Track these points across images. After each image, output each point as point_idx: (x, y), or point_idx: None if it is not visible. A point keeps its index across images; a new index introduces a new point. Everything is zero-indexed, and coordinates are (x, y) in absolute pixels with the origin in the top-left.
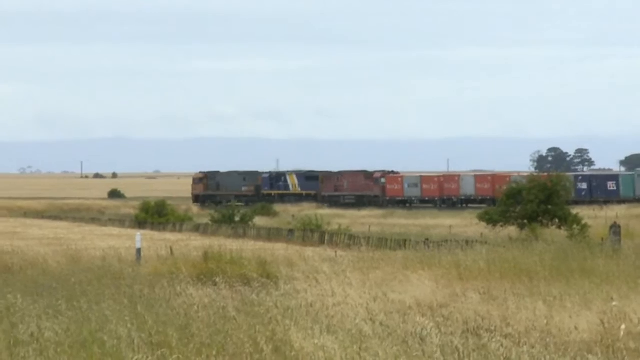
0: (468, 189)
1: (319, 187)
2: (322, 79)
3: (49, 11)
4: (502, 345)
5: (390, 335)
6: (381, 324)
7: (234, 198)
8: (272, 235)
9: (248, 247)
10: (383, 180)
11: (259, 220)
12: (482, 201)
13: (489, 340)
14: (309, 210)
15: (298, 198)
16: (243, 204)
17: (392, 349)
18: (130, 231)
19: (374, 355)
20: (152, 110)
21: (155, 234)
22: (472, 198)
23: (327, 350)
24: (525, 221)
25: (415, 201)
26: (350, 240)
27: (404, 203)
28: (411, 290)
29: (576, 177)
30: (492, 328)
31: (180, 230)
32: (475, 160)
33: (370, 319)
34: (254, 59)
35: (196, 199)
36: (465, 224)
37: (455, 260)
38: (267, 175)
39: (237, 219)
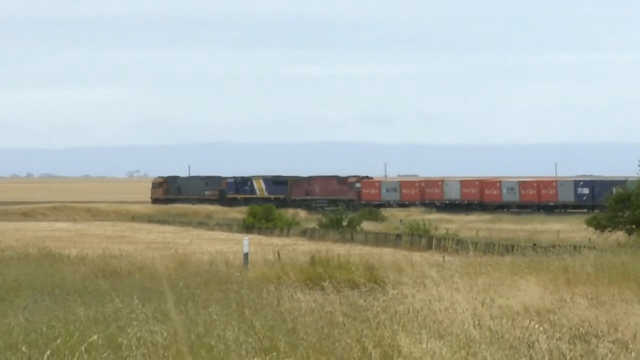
0: (453, 193)
1: (288, 191)
2: (428, 84)
3: (156, 18)
4: (610, 351)
5: (498, 341)
6: (489, 329)
7: (196, 202)
8: (379, 240)
9: (355, 252)
10: (358, 185)
11: (366, 225)
12: (468, 205)
13: (597, 345)
14: (416, 215)
15: (264, 202)
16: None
17: (500, 354)
18: (237, 235)
19: None
20: (258, 115)
21: (263, 239)
22: (457, 202)
23: (435, 355)
24: (634, 226)
25: (394, 205)
26: (457, 245)
27: (382, 206)
28: (519, 295)
29: (577, 182)
30: (600, 334)
31: (288, 235)
32: (584, 165)
33: (478, 324)
34: (360, 64)
35: (155, 203)
36: (572, 229)
37: (563, 266)
38: (232, 180)
39: (344, 223)
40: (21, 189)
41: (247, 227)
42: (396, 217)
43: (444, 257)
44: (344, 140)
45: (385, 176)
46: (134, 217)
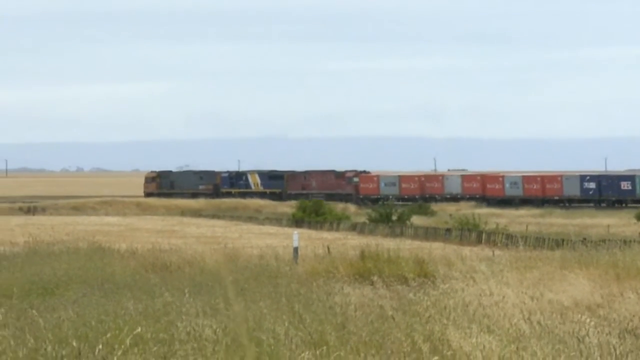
0: (453, 188)
1: (284, 185)
2: (480, 78)
3: (208, 11)
4: None
5: (548, 335)
6: (539, 323)
7: (190, 196)
8: (429, 234)
9: (405, 246)
10: (356, 179)
11: (416, 220)
12: (469, 199)
13: None
14: (466, 210)
15: (260, 196)
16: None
17: (550, 348)
18: (287, 230)
19: (532, 354)
20: (309, 109)
21: (313, 233)
22: (459, 197)
23: (485, 349)
24: None
25: (393, 199)
26: (507, 239)
27: (379, 200)
28: (568, 289)
29: (583, 177)
30: None
31: (337, 229)
32: (635, 159)
33: (528, 319)
34: (411, 57)
35: (147, 197)
36: (623, 223)
37: (612, 260)
38: (226, 175)
39: (394, 218)
40: (71, 183)
41: (296, 222)
42: (446, 212)
43: (493, 252)
44: (394, 135)
45: (435, 170)
46: (184, 212)
